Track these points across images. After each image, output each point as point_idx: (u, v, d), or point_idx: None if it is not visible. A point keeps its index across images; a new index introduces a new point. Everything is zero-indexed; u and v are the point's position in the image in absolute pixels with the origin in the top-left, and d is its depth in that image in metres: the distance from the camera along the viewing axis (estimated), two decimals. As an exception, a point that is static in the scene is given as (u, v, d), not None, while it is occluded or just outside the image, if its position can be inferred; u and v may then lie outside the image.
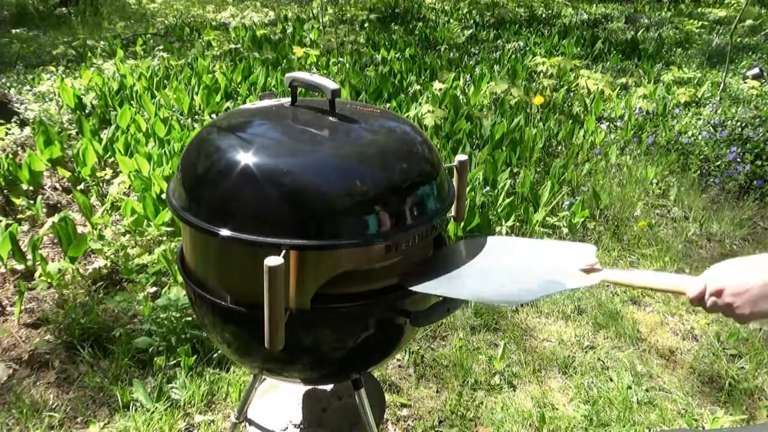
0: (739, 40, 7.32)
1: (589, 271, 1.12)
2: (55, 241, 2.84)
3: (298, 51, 5.58)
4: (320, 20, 7.04)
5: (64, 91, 4.50)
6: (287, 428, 1.52)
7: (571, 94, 5.21)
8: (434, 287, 1.14)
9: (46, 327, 2.41)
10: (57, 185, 3.47)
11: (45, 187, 3.38)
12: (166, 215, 2.94)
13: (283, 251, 1.02)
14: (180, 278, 2.51)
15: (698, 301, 0.95)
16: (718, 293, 0.92)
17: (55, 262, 2.69)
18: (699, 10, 9.53)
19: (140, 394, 2.11)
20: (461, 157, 1.42)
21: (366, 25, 7.82)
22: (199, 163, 1.18)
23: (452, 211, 1.46)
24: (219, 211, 1.11)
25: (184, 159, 1.22)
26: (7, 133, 3.78)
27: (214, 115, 4.37)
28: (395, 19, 8.15)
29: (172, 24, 7.89)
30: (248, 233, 1.06)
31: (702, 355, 2.51)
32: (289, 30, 7.21)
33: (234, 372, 2.26)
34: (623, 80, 5.72)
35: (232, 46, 6.34)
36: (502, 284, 1.13)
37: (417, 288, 1.14)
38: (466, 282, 1.15)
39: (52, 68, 5.57)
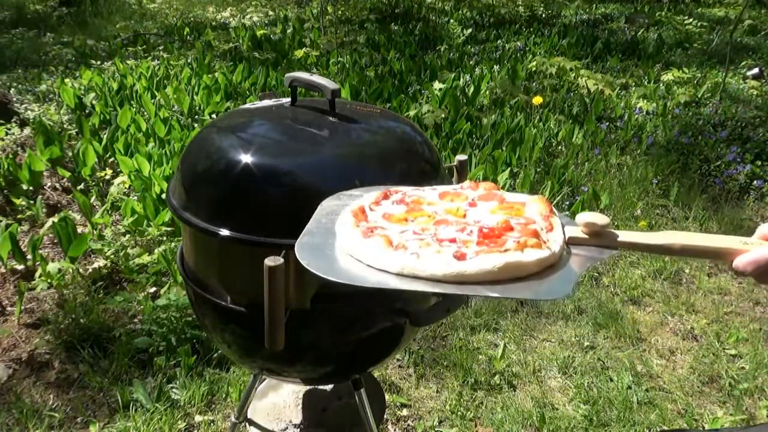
0: (738, 40, 7.32)
1: None
2: (55, 241, 2.84)
3: (299, 53, 5.59)
4: (320, 20, 7.03)
5: (64, 91, 4.50)
6: (287, 428, 1.53)
7: (571, 94, 5.21)
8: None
9: (46, 327, 2.40)
10: (57, 185, 3.47)
11: (45, 187, 3.38)
12: (166, 215, 2.94)
13: (283, 251, 1.02)
14: (180, 278, 2.51)
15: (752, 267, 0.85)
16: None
17: (55, 262, 2.69)
18: (699, 10, 9.52)
19: (140, 394, 2.11)
20: (461, 157, 1.42)
21: (366, 25, 7.81)
22: (199, 163, 1.19)
23: (452, 211, 1.46)
24: (219, 211, 1.11)
25: (184, 159, 1.22)
26: (7, 133, 3.78)
27: (214, 115, 4.36)
28: (395, 19, 8.14)
29: (173, 24, 7.89)
30: (248, 233, 1.06)
31: (702, 355, 2.51)
32: (289, 30, 7.20)
33: (234, 372, 2.26)
34: (623, 80, 5.71)
35: (232, 45, 6.34)
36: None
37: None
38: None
39: (52, 68, 5.57)
